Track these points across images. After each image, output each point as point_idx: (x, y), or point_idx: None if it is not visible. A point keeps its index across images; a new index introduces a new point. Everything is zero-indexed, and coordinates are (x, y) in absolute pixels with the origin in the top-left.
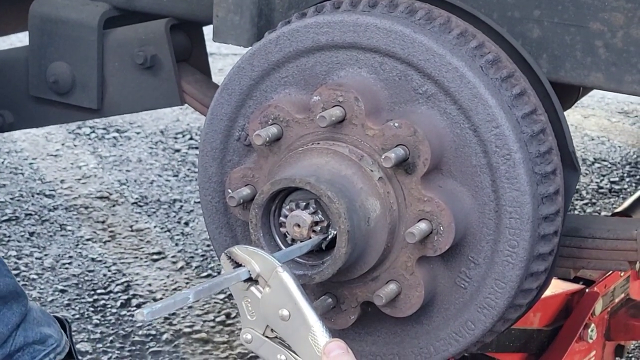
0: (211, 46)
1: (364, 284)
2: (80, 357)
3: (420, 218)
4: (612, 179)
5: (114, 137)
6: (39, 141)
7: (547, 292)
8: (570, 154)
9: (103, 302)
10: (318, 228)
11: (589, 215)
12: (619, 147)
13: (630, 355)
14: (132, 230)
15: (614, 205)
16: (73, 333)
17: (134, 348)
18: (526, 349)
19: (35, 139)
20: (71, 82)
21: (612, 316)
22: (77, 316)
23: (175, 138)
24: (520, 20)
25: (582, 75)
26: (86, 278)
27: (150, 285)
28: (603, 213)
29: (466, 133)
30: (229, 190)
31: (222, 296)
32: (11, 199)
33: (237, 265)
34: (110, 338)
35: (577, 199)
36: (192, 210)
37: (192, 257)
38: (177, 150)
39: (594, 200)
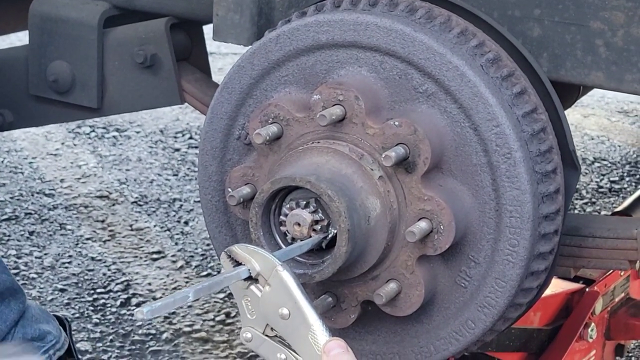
0: (211, 45)
1: (364, 282)
2: (80, 356)
3: (420, 217)
4: (611, 178)
5: (114, 136)
6: (38, 140)
7: (547, 291)
8: (571, 153)
9: (103, 301)
10: (318, 227)
11: (589, 214)
12: (619, 146)
13: (630, 354)
14: (131, 230)
15: (614, 205)
16: (73, 332)
17: (133, 347)
18: (526, 348)
19: (35, 138)
20: (71, 81)
21: (612, 315)
22: (77, 315)
23: (175, 137)
24: (521, 19)
25: (583, 74)
26: (86, 277)
27: (150, 284)
28: (603, 212)
29: (466, 132)
30: (229, 189)
31: (221, 295)
32: (11, 198)
33: (237, 263)
34: (110, 337)
35: (577, 198)
36: (191, 210)
37: (191, 256)
38: (177, 150)
39: (593, 200)
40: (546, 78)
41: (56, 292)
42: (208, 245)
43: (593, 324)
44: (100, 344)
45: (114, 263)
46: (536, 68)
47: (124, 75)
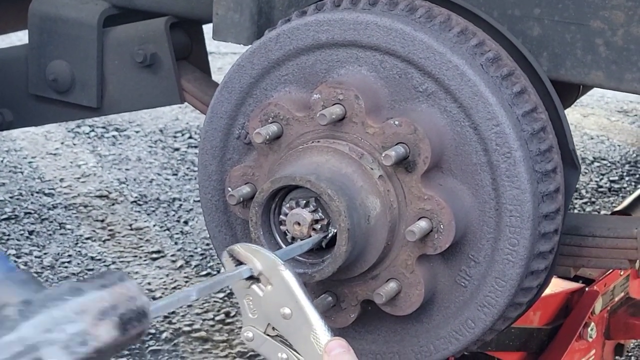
0: (210, 45)
1: (364, 282)
2: None
3: (420, 216)
4: (611, 178)
5: (113, 136)
6: (38, 140)
7: (547, 291)
8: (571, 152)
9: None
10: (318, 226)
11: (589, 213)
12: (619, 146)
13: (629, 354)
14: (131, 229)
15: (614, 204)
16: None
17: (133, 347)
18: (526, 348)
19: (34, 137)
20: (71, 81)
21: (612, 315)
22: None
23: (175, 137)
24: (521, 19)
25: (583, 74)
26: (86, 277)
27: (149, 283)
28: (602, 212)
29: (466, 131)
30: (229, 189)
31: (221, 295)
32: (10, 197)
33: (239, 263)
34: None
35: (576, 198)
36: (191, 209)
37: (191, 255)
38: (177, 149)
39: (593, 199)
40: (546, 77)
41: None
42: (208, 244)
43: (593, 323)
44: None
45: (113, 262)
46: (536, 67)
47: (124, 74)
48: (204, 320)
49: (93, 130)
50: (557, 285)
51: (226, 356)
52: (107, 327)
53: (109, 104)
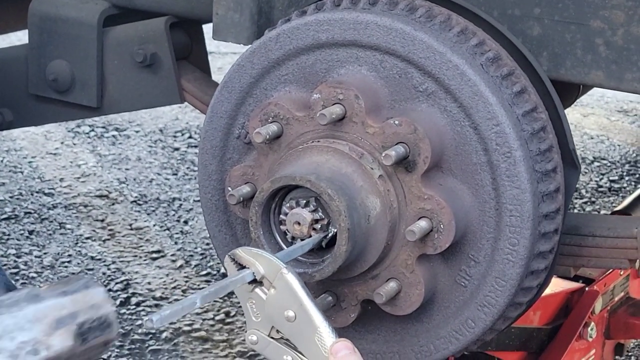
0: (210, 45)
1: (364, 282)
2: None
3: (420, 216)
4: (611, 178)
5: (113, 136)
6: (38, 139)
7: (547, 291)
8: (571, 152)
9: None
10: (318, 226)
11: (589, 213)
12: (618, 145)
13: (629, 353)
14: (131, 229)
15: (613, 204)
16: None
17: (133, 346)
18: (526, 348)
19: (34, 137)
20: (71, 80)
21: (612, 315)
22: None
23: (175, 136)
24: (521, 18)
25: (583, 73)
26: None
27: (149, 283)
28: (602, 211)
29: (466, 131)
30: (229, 188)
31: (222, 295)
32: (10, 197)
33: (241, 267)
34: None
35: (576, 198)
36: (191, 209)
37: (191, 255)
38: (176, 149)
39: (593, 199)
40: (546, 77)
41: None
42: (207, 244)
43: (593, 323)
44: None
45: (113, 262)
46: (536, 67)
47: (124, 74)
48: (204, 320)
49: (93, 130)
50: (557, 285)
51: (226, 356)
52: (63, 336)
53: (108, 103)
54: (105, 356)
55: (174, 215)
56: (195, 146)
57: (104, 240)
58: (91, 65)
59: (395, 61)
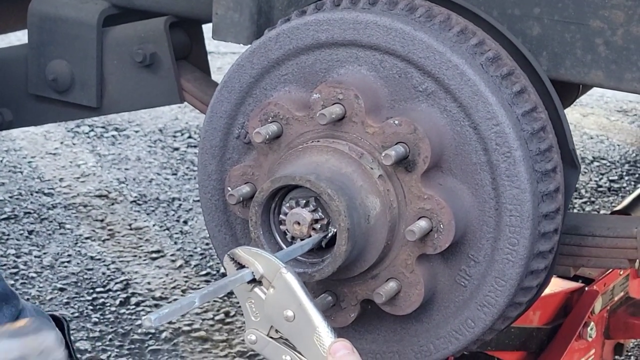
0: (210, 45)
1: (364, 281)
2: (79, 356)
3: (420, 216)
4: (611, 178)
5: (113, 136)
6: (37, 139)
7: (547, 291)
8: (571, 152)
9: (102, 300)
10: (318, 226)
11: (588, 213)
12: (618, 145)
13: (629, 353)
14: (131, 229)
15: (613, 204)
16: (72, 331)
17: (133, 346)
18: (526, 347)
19: (34, 137)
20: (70, 80)
21: (612, 314)
22: (76, 314)
23: (174, 136)
24: (520, 18)
25: (582, 73)
26: (85, 276)
27: (149, 283)
28: (602, 211)
29: (466, 131)
30: (229, 188)
31: (221, 295)
32: (10, 197)
33: (241, 266)
34: (110, 336)
35: (576, 198)
36: (191, 209)
37: (191, 255)
38: (176, 149)
39: (593, 199)
40: (546, 77)
41: (55, 291)
42: (207, 244)
43: (592, 323)
44: (99, 343)
45: (113, 262)
46: (536, 67)
47: (123, 74)
48: (203, 319)
49: (92, 130)
50: (556, 285)
51: (226, 356)
52: None
53: (108, 103)
54: (105, 356)
55: (173, 215)
56: (195, 146)
57: (103, 240)
58: (91, 65)
59: (395, 61)
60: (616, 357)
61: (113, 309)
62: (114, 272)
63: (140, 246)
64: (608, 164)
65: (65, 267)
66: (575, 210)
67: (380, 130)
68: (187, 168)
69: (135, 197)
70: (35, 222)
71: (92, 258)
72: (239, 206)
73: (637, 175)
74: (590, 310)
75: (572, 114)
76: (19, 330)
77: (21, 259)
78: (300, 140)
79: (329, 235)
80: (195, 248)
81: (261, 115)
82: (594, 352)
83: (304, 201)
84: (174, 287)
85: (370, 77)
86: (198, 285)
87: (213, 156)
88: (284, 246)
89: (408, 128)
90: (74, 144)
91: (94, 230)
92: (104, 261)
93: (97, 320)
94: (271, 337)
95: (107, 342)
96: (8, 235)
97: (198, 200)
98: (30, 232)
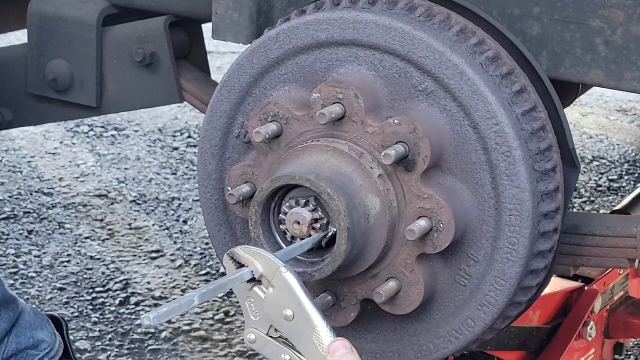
0: (209, 44)
1: (364, 281)
2: (79, 355)
3: (420, 215)
4: (610, 177)
5: (113, 135)
6: (37, 139)
7: (547, 290)
8: (570, 152)
9: (102, 300)
10: (318, 225)
11: (588, 213)
12: (618, 145)
13: (629, 353)
14: (130, 229)
15: (613, 204)
16: (72, 331)
17: (133, 346)
18: (525, 347)
19: (33, 137)
20: (70, 80)
21: (612, 314)
22: (76, 314)
23: (174, 136)
24: (520, 18)
25: (582, 73)
26: (85, 276)
27: (149, 283)
28: (602, 211)
29: (466, 130)
30: (229, 188)
31: (221, 294)
32: (10, 197)
33: (240, 265)
34: (109, 336)
35: (575, 197)
36: (190, 209)
37: (190, 255)
38: (176, 149)
39: (592, 198)
40: (546, 76)
41: (55, 291)
42: (207, 244)
43: (592, 322)
44: (99, 343)
45: (113, 262)
46: (536, 66)
47: (123, 74)
48: (203, 319)
49: (92, 130)
50: (556, 285)
51: (226, 355)
52: None
53: (108, 103)
54: (104, 356)
55: (173, 215)
56: (195, 146)
57: (103, 240)
58: (90, 64)
59: (395, 60)
60: (616, 356)
61: (113, 308)
62: (113, 272)
63: (140, 246)
64: (608, 164)
65: (65, 267)
66: (575, 210)
67: (380, 129)
68: (186, 168)
69: (135, 197)
70: (35, 222)
71: (91, 258)
72: (239, 206)
73: (636, 175)
74: (590, 310)
75: (571, 113)
76: None
77: (21, 258)
78: (300, 139)
79: (329, 234)
80: (195, 248)
81: (261, 114)
82: (594, 352)
83: (304, 201)
84: (173, 287)
85: (370, 76)
86: (198, 285)
87: (213, 156)
88: (283, 246)
89: (408, 128)
90: (73, 144)
91: (93, 230)
92: (103, 261)
93: (96, 320)
94: (271, 337)
95: (107, 342)
96: (8, 235)
97: (198, 200)
98: (30, 232)
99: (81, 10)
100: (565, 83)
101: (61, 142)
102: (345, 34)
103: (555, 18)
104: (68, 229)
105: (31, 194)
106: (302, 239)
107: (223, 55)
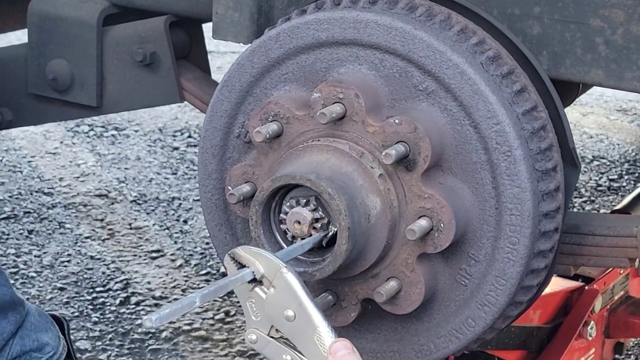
0: (210, 44)
1: (365, 281)
2: (79, 355)
3: (420, 215)
4: (610, 177)
5: (113, 135)
6: (37, 139)
7: (547, 290)
8: (571, 151)
9: (102, 299)
10: (318, 225)
11: (588, 212)
12: (618, 144)
13: (629, 352)
14: (130, 228)
15: (613, 203)
16: (72, 331)
17: (133, 346)
18: (526, 347)
19: (33, 136)
20: (70, 80)
21: (612, 313)
22: (76, 314)
23: (174, 136)
24: (520, 17)
25: (582, 72)
26: (85, 276)
27: (149, 283)
28: (602, 211)
29: (467, 130)
30: (229, 187)
31: (222, 294)
32: (10, 196)
33: (241, 266)
34: (110, 336)
35: (575, 197)
36: (190, 208)
37: (191, 254)
38: (176, 148)
39: (592, 198)
40: (546, 76)
41: (55, 291)
42: (207, 243)
43: (592, 322)
44: (99, 343)
45: (113, 262)
46: (536, 66)
47: (123, 73)
48: (203, 319)
49: (92, 130)
50: (557, 284)
51: (226, 355)
52: None
53: (108, 103)
54: (105, 355)
55: (173, 214)
56: (195, 145)
57: (103, 240)
58: (91, 64)
59: (395, 60)
60: (616, 356)
61: (113, 308)
62: (113, 271)
63: (140, 245)
64: (608, 163)
65: (65, 266)
66: (575, 209)
67: (380, 129)
68: (187, 167)
69: (135, 196)
70: (35, 222)
71: (92, 257)
72: (240, 205)
73: (636, 174)
74: (591, 309)
75: (571, 113)
76: None
77: (21, 258)
78: (300, 139)
79: (330, 234)
80: (195, 247)
81: (261, 114)
82: (594, 351)
83: (305, 200)
84: (174, 287)
85: (371, 76)
86: (198, 284)
87: (213, 155)
88: (284, 245)
89: (408, 127)
90: (73, 144)
91: (93, 230)
92: (103, 261)
93: (97, 319)
94: (272, 337)
95: (107, 342)
96: (8, 234)
97: (198, 200)
98: (30, 232)
99: (81, 10)
100: (565, 82)
101: (61, 142)
102: (345, 33)
103: (555, 17)
104: (68, 228)
105: (31, 194)
106: (302, 239)
107: (223, 54)
